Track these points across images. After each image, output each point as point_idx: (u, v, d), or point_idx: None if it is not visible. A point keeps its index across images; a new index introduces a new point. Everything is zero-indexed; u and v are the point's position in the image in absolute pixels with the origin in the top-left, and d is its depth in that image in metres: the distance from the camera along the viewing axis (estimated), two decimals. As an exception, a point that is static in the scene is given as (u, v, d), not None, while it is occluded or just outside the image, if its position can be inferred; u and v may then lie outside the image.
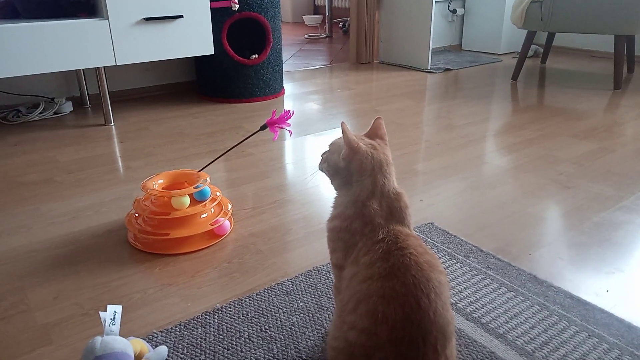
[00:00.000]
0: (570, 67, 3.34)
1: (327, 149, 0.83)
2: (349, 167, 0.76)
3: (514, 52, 3.83)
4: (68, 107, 2.36)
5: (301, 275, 1.09)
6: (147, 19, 2.03)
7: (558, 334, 0.91)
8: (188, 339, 0.90)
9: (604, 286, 1.05)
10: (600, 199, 1.44)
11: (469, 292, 1.03)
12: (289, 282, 1.06)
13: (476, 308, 0.98)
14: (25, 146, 1.92)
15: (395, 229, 0.73)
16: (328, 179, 0.82)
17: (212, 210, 1.29)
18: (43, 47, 1.85)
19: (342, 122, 0.76)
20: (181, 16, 2.11)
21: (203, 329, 0.93)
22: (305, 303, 1.00)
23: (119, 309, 0.79)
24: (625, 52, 2.71)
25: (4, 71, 1.81)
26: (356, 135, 0.77)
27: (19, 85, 2.32)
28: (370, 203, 0.74)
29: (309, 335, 0.91)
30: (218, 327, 0.93)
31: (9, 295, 1.04)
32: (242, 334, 0.92)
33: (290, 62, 3.62)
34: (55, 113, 2.31)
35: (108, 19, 1.95)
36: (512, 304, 0.99)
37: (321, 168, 0.83)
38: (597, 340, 0.89)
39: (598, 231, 1.27)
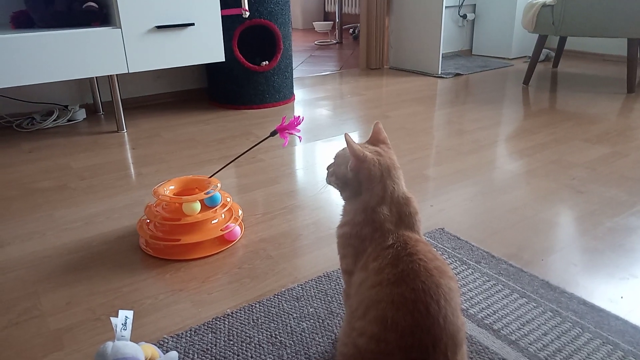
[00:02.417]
0: (583, 71, 3.31)
1: (332, 161, 0.82)
2: (357, 177, 0.75)
3: (525, 56, 3.81)
4: (81, 114, 2.40)
5: (311, 281, 1.09)
6: (159, 27, 2.05)
7: (571, 340, 0.90)
8: (199, 345, 0.91)
9: (618, 292, 1.04)
10: (613, 204, 1.42)
11: (481, 298, 1.02)
12: (299, 288, 1.06)
13: (488, 314, 0.97)
14: (39, 153, 1.95)
15: (405, 235, 0.72)
16: (337, 191, 0.81)
17: (223, 216, 1.29)
18: (57, 56, 1.88)
19: (346, 134, 0.76)
20: (192, 24, 2.13)
21: (213, 334, 0.93)
22: (315, 309, 1.00)
23: (130, 314, 0.79)
24: (638, 55, 2.68)
25: (19, 79, 1.84)
26: (360, 144, 0.77)
27: (34, 93, 2.35)
28: (381, 209, 0.74)
29: (319, 341, 0.91)
30: (228, 332, 0.94)
31: (23, 300, 1.05)
32: (252, 340, 0.92)
33: (300, 69, 3.63)
34: (68, 120, 2.34)
35: (121, 28, 1.98)
36: (524, 311, 0.98)
37: (329, 182, 0.82)
38: (611, 347, 0.88)
39: (612, 236, 1.25)
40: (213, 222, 1.26)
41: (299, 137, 1.28)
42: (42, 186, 1.63)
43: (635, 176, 1.61)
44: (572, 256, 1.17)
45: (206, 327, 0.95)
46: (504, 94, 2.77)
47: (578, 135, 2.02)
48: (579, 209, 1.40)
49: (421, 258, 0.69)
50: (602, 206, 1.41)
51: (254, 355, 0.88)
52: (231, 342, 0.91)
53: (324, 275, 1.10)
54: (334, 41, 5.03)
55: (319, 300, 1.02)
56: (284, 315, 0.98)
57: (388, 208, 0.74)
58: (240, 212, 1.34)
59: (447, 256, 1.18)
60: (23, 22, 2.10)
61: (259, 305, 1.01)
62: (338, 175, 0.79)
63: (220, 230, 1.23)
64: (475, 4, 3.90)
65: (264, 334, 0.93)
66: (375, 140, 0.81)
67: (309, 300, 1.02)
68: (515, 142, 1.97)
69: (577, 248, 1.21)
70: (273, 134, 1.26)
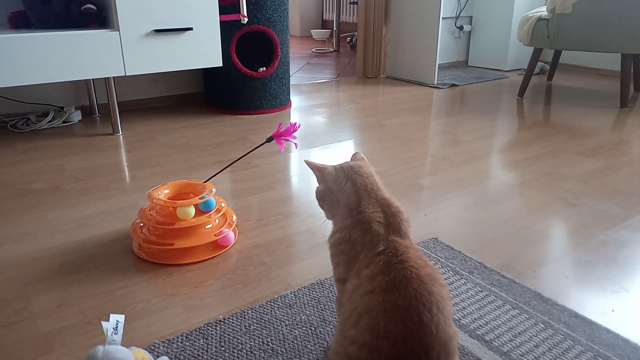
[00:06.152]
0: (577, 84, 3.34)
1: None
2: (327, 185, 0.82)
3: (520, 69, 3.84)
4: (77, 116, 2.39)
5: (304, 288, 1.09)
6: (157, 31, 2.06)
7: (562, 353, 0.90)
8: (190, 350, 0.90)
9: (609, 305, 1.04)
10: (606, 217, 1.43)
11: (473, 308, 1.03)
12: (292, 295, 1.06)
13: (480, 325, 0.98)
14: (33, 154, 1.94)
15: (395, 241, 0.73)
16: (330, 217, 0.86)
17: (217, 221, 1.29)
18: (54, 57, 1.88)
19: (305, 160, 0.86)
20: (191, 28, 2.14)
21: (205, 340, 0.93)
22: (307, 316, 0.99)
23: (121, 318, 0.79)
24: (632, 71, 2.71)
25: (15, 79, 1.83)
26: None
27: (29, 94, 2.35)
28: (364, 207, 0.76)
29: (311, 349, 0.91)
30: (220, 338, 0.93)
31: (13, 302, 1.04)
32: (244, 346, 0.91)
33: (297, 75, 3.64)
34: (64, 122, 2.33)
35: (119, 31, 1.98)
36: (516, 322, 0.98)
37: (324, 213, 0.87)
38: (602, 360, 0.88)
39: (604, 250, 1.26)
40: (207, 227, 1.26)
41: (295, 143, 1.28)
42: (36, 187, 1.63)
43: (627, 190, 1.62)
44: (564, 268, 1.18)
45: (198, 333, 0.95)
46: (499, 105, 2.79)
47: (571, 148, 2.04)
48: (571, 221, 1.41)
49: (412, 265, 0.69)
50: (595, 219, 1.42)
51: (245, 362, 0.87)
52: (223, 349, 0.91)
53: (317, 283, 1.10)
54: (332, 49, 5.05)
55: (311, 307, 1.02)
56: (276, 322, 0.98)
57: (372, 207, 0.76)
58: (234, 217, 1.34)
59: (440, 266, 1.18)
60: (21, 22, 2.09)
61: (252, 312, 1.01)
62: (317, 196, 0.86)
63: (214, 235, 1.23)
64: (471, 16, 3.94)
65: (256, 341, 0.93)
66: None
67: (301, 308, 1.02)
68: (509, 154, 1.98)
69: (569, 260, 1.21)
70: (269, 140, 1.27)
